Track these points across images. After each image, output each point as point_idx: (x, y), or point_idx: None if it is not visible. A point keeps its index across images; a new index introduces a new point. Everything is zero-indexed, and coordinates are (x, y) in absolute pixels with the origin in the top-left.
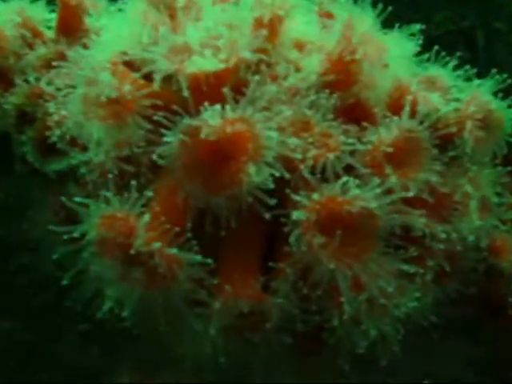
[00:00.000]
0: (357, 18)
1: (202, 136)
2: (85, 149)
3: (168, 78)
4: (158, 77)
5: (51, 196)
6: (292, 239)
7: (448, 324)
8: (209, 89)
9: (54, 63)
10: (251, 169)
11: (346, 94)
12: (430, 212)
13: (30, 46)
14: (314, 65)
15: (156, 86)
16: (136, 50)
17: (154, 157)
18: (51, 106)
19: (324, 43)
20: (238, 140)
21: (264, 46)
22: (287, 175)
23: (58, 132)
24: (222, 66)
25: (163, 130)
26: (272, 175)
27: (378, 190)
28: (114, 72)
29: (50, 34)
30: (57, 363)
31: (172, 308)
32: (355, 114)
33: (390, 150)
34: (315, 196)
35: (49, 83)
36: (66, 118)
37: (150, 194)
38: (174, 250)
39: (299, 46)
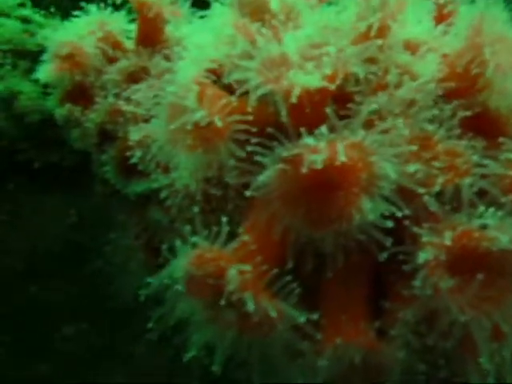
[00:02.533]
0: (487, 17)
1: (304, 169)
2: (167, 170)
3: (264, 96)
4: (252, 98)
5: (133, 219)
6: (417, 282)
7: None
8: (311, 109)
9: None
10: (365, 204)
11: (470, 102)
12: None
13: (111, 60)
14: (431, 69)
15: (250, 108)
16: (227, 67)
17: (249, 193)
18: (132, 127)
19: (441, 44)
20: (348, 170)
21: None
22: (407, 211)
23: (139, 153)
24: (327, 83)
25: (259, 158)
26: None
27: None
28: (201, 95)
29: (130, 45)
30: None
31: (269, 358)
32: (481, 125)
33: None
34: (447, 232)
35: (128, 100)
36: (147, 137)
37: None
38: (270, 307)
39: (412, 48)
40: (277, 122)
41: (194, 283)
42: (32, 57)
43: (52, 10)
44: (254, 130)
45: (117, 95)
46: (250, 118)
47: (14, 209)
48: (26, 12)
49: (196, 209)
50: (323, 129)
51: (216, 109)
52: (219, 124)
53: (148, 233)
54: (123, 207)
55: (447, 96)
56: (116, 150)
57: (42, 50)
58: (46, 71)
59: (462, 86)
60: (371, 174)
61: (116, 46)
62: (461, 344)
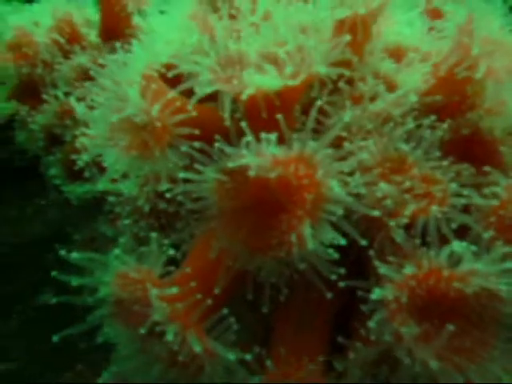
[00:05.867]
0: (480, 17)
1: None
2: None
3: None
4: (196, 95)
5: (81, 230)
6: (372, 324)
7: None
8: (268, 115)
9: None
10: (306, 230)
11: (458, 122)
12: None
13: (66, 54)
14: (414, 80)
15: (191, 105)
16: (181, 60)
17: (180, 197)
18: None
19: (431, 51)
20: (292, 186)
21: (347, 57)
22: (364, 242)
23: (86, 157)
24: (287, 83)
25: (198, 166)
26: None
27: (507, 264)
28: (145, 89)
29: (94, 39)
30: None
31: None
32: (471, 150)
33: None
34: (408, 268)
35: (80, 99)
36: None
37: (171, 251)
38: (198, 347)
39: (396, 55)
40: (226, 130)
41: (121, 308)
42: None
43: None
44: (198, 133)
45: (68, 94)
46: (194, 114)
47: None
48: None
49: (127, 221)
50: (272, 136)
51: (157, 105)
52: (158, 125)
53: (95, 244)
54: (73, 217)
55: (433, 114)
56: (63, 153)
57: None
58: None
59: (450, 101)
60: (319, 195)
61: (74, 37)
62: None
